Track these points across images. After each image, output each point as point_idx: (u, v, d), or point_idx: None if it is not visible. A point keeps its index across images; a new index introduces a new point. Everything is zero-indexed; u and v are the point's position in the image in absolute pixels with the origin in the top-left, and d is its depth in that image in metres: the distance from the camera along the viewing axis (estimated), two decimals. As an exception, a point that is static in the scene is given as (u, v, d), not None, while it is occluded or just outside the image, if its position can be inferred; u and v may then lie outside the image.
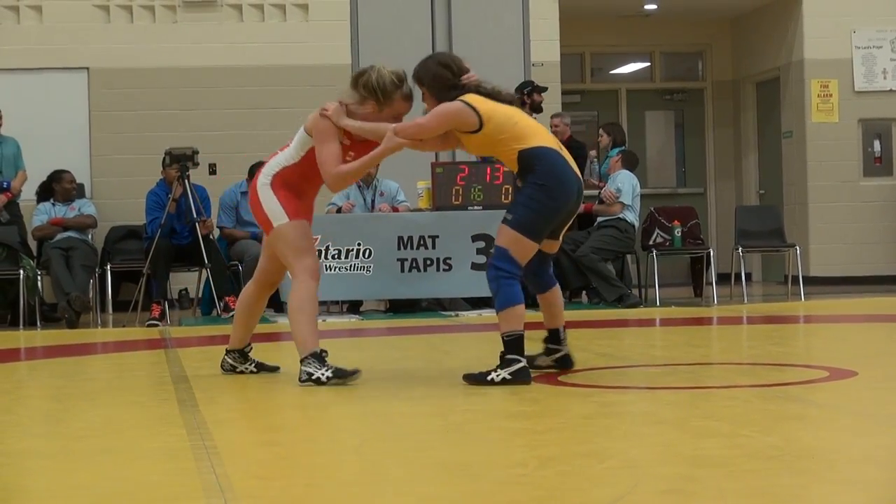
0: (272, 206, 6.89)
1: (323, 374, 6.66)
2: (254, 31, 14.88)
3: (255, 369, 7.36)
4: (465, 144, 6.82)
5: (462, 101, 6.66)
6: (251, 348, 7.40)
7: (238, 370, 7.34)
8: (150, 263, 12.29)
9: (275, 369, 7.40)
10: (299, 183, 6.95)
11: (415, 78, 6.81)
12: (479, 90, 6.72)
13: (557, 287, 7.02)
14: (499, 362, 6.51)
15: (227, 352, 7.39)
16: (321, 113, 6.93)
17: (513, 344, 6.50)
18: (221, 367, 7.39)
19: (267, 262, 7.12)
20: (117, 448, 5.01)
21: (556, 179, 6.53)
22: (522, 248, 6.55)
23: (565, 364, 7.02)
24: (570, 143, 13.08)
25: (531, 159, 6.55)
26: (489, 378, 6.45)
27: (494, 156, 6.85)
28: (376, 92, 6.77)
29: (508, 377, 6.43)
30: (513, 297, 6.53)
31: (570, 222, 6.85)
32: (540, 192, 6.51)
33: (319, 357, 6.74)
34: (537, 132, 6.68)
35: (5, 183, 13.07)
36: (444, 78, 6.73)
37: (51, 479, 4.44)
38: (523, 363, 6.48)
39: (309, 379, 6.67)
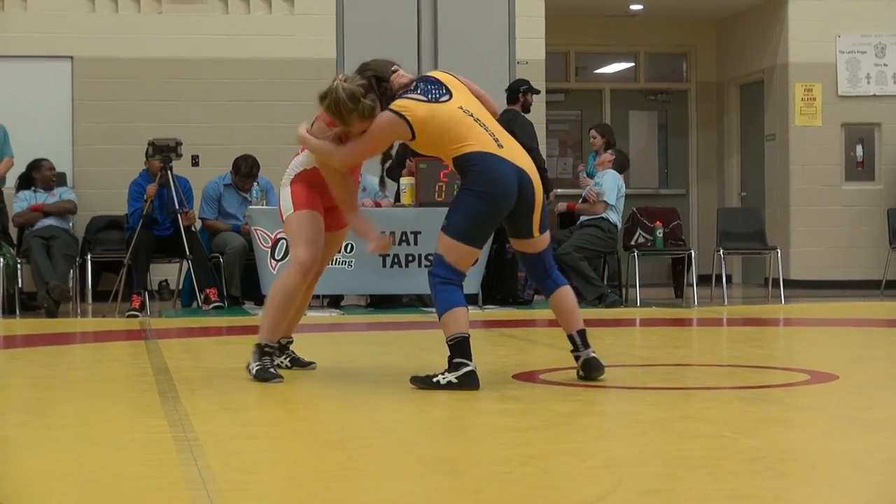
0: (285, 200, 6.80)
1: (253, 368, 6.64)
2: (239, 24, 14.85)
3: (288, 364, 7.12)
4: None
5: (393, 110, 6.37)
6: (291, 340, 7.22)
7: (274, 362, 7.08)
8: (130, 254, 12.26)
9: (309, 365, 7.19)
10: (322, 182, 6.77)
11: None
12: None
13: (566, 288, 6.66)
14: (447, 366, 6.25)
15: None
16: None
17: (457, 347, 6.22)
18: None
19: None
20: (98, 438, 5.00)
21: (487, 181, 6.27)
22: (459, 254, 6.34)
23: (590, 368, 6.56)
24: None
25: (463, 164, 6.34)
26: (435, 380, 6.22)
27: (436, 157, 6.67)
28: (335, 115, 6.44)
29: (455, 381, 6.16)
30: (451, 301, 6.28)
31: (537, 218, 6.51)
32: (469, 196, 6.30)
33: (261, 349, 6.68)
34: (473, 136, 6.35)
35: None
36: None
37: (31, 468, 4.42)
38: (470, 367, 6.20)
39: (247, 367, 6.71)
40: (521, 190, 6.39)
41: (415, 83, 6.50)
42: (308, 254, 6.68)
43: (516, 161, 6.42)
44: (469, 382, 6.18)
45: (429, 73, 6.64)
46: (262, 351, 6.67)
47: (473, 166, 6.31)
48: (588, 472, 4.21)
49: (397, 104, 6.39)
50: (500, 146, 6.41)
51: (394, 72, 6.54)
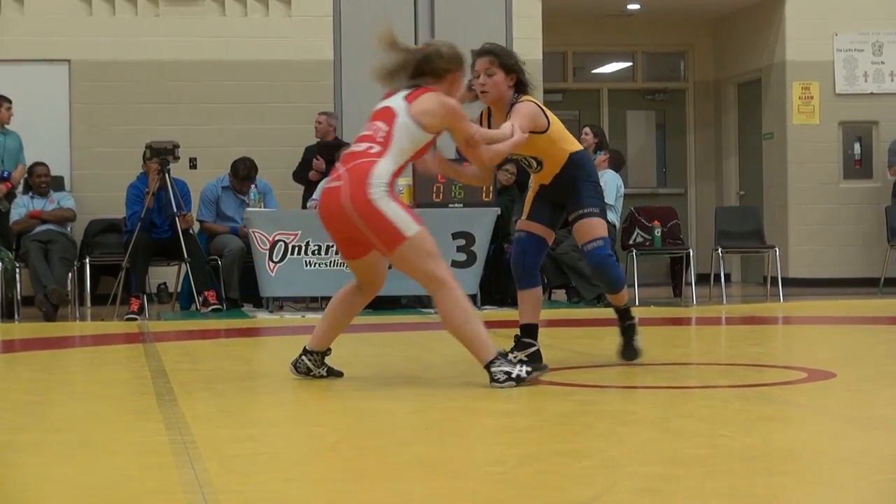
0: (400, 215, 6.25)
1: (523, 371, 6.24)
2: (236, 26, 14.84)
3: (324, 373, 6.70)
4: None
5: (534, 102, 6.96)
6: (330, 353, 6.76)
7: (312, 373, 6.68)
8: (129, 257, 12.25)
9: (339, 374, 6.77)
10: (393, 185, 6.45)
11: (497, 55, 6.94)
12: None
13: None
14: (626, 332, 7.33)
15: (307, 353, 6.70)
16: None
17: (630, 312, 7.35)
18: (295, 367, 6.70)
19: (371, 273, 6.59)
20: (95, 441, 5.00)
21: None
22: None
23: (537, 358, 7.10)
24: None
25: (582, 160, 7.11)
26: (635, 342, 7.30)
27: (540, 155, 7.05)
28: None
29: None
30: (623, 277, 7.43)
31: None
32: (597, 183, 7.20)
33: (504, 357, 6.33)
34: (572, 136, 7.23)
35: (6, 173, 13.09)
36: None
37: (28, 472, 4.42)
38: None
39: (508, 378, 6.20)
40: None
41: None
42: (447, 268, 6.36)
43: None
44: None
45: None
46: (504, 358, 6.32)
47: (589, 163, 7.26)
48: (584, 472, 4.21)
49: (532, 99, 6.99)
50: None
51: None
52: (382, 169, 6.29)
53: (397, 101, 6.45)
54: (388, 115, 6.42)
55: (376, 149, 6.34)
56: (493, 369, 6.25)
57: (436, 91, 6.48)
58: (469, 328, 6.27)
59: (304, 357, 6.69)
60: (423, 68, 6.54)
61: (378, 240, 6.30)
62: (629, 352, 7.31)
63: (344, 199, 6.27)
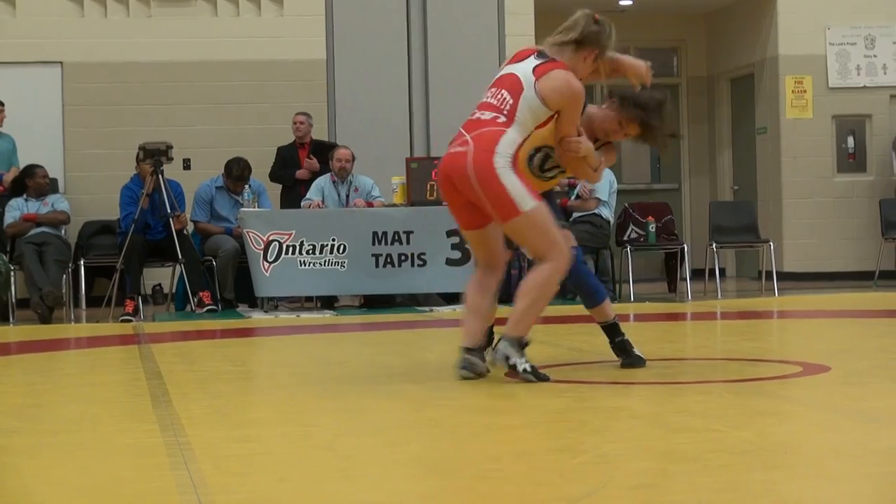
0: (518, 188, 6.23)
1: (521, 365, 6.23)
2: (228, 26, 14.84)
3: (488, 368, 6.48)
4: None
5: None
6: (487, 347, 6.57)
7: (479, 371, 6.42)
8: (123, 259, 12.25)
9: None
10: (517, 157, 6.42)
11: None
12: None
13: None
14: (625, 349, 6.92)
15: (469, 351, 6.44)
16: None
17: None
18: (471, 369, 6.41)
19: (489, 247, 6.61)
20: (90, 444, 4.99)
21: None
22: None
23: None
24: None
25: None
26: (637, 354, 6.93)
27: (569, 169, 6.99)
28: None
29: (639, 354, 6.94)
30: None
31: None
32: None
33: (522, 345, 6.32)
34: None
35: None
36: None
37: (24, 475, 4.41)
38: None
39: (505, 360, 6.24)
40: None
41: None
42: (559, 247, 6.36)
43: None
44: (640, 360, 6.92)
45: None
46: (521, 346, 6.30)
47: None
48: (578, 468, 4.21)
49: None
50: None
51: None
52: (509, 139, 6.32)
53: (526, 73, 6.46)
54: (515, 86, 6.43)
55: (502, 119, 6.38)
56: (500, 345, 6.31)
57: (566, 68, 6.46)
58: (528, 304, 6.35)
59: (467, 357, 6.44)
60: (579, 30, 6.62)
61: (493, 209, 6.33)
62: (633, 360, 6.91)
63: (468, 163, 6.31)
